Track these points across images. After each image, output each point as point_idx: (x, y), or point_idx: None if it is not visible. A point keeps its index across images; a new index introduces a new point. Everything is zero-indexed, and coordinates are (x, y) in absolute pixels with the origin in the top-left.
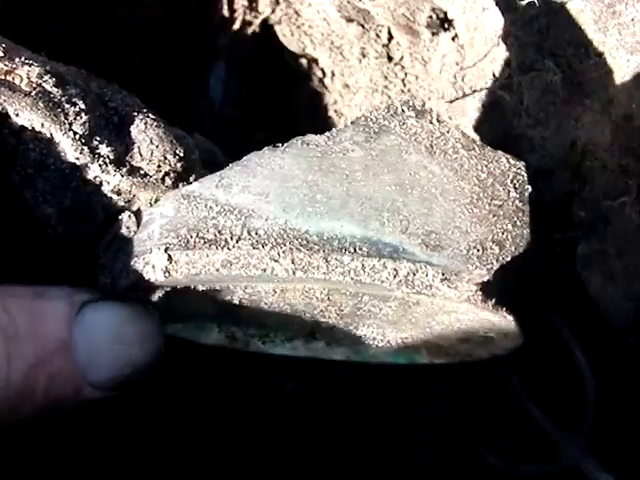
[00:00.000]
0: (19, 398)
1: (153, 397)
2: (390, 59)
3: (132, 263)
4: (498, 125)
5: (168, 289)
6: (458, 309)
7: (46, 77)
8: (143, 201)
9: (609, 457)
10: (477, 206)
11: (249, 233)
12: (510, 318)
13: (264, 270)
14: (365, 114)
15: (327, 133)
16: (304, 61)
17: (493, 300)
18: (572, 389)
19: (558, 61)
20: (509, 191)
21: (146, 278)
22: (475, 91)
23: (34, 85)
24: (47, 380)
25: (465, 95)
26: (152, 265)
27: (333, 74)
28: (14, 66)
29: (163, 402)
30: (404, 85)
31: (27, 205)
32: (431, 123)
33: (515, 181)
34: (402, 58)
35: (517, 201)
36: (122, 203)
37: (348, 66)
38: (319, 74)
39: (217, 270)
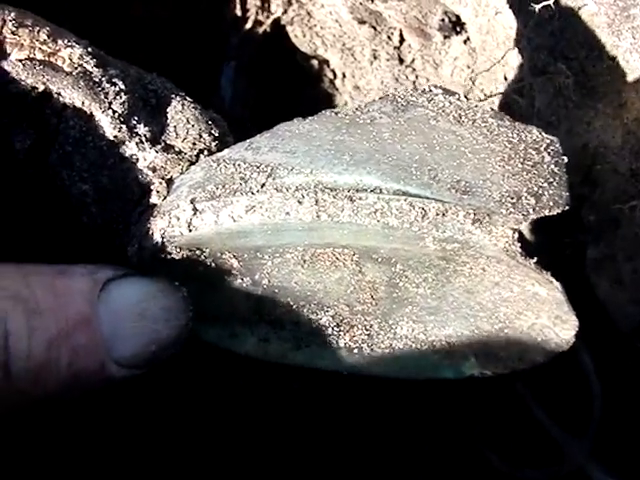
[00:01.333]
0: (42, 370)
1: (159, 396)
2: (401, 61)
3: (158, 221)
4: None
5: (194, 250)
6: (500, 278)
7: (87, 58)
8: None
9: (614, 461)
10: (509, 164)
11: (274, 179)
12: (557, 284)
13: (288, 213)
14: (392, 92)
15: (355, 105)
16: (315, 62)
17: (535, 259)
18: (578, 393)
19: (570, 64)
20: (543, 156)
21: (171, 234)
22: (487, 97)
23: (75, 65)
24: (70, 354)
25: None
26: (177, 217)
27: (344, 76)
28: (57, 48)
29: (168, 402)
30: None
31: (63, 187)
32: (459, 100)
33: (549, 149)
34: (413, 61)
35: (553, 165)
36: (157, 180)
37: (359, 68)
38: (330, 75)
39: (241, 217)
